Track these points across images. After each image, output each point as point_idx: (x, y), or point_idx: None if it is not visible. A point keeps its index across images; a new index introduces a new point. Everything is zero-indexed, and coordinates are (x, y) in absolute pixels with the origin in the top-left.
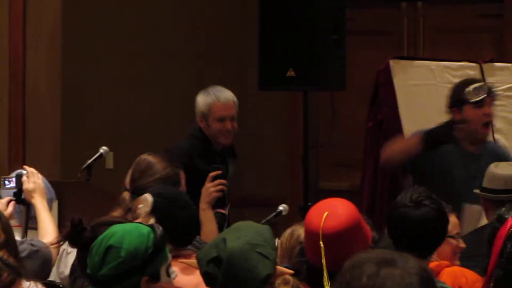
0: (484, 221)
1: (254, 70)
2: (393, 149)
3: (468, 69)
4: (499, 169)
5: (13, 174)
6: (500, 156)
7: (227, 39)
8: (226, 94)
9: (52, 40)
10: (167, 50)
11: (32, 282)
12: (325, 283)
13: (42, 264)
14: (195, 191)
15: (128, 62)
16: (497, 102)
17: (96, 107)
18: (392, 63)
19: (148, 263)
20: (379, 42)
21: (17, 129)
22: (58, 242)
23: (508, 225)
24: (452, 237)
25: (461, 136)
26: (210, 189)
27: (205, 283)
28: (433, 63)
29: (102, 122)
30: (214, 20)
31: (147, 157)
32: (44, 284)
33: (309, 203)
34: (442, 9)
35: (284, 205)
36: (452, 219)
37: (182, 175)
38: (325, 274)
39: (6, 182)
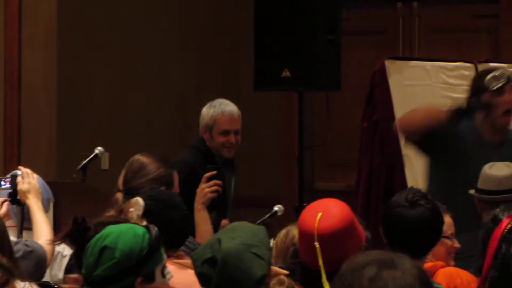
0: None
1: (249, 71)
2: (415, 115)
3: (464, 69)
4: (493, 170)
5: (9, 175)
6: None
7: (222, 39)
8: (231, 108)
9: (48, 39)
10: (163, 50)
11: (27, 283)
12: (324, 284)
13: (36, 264)
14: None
15: (124, 62)
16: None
17: (92, 107)
18: (387, 63)
19: (142, 264)
20: (374, 42)
21: (12, 129)
22: (60, 239)
23: (503, 226)
24: (447, 237)
25: (481, 124)
26: (205, 189)
27: (200, 283)
28: (428, 64)
29: (97, 122)
30: (209, 20)
31: (140, 158)
32: (38, 284)
33: (304, 204)
34: (437, 9)
35: (279, 205)
36: (447, 219)
37: (175, 175)
38: (323, 275)
39: (2, 182)
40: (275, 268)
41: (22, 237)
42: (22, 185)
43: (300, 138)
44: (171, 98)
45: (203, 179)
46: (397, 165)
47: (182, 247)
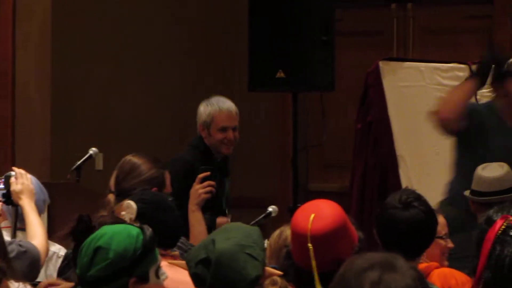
0: None
1: (244, 71)
2: (450, 100)
3: (458, 70)
4: (485, 172)
5: (3, 176)
6: None
7: (216, 40)
8: (228, 105)
9: (42, 40)
10: (156, 51)
11: (21, 284)
12: (316, 285)
13: (30, 264)
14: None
15: (118, 63)
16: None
17: (86, 108)
18: (381, 64)
19: (136, 265)
20: (368, 43)
21: (6, 130)
22: (64, 236)
23: (497, 227)
24: (441, 237)
25: (504, 110)
26: (199, 190)
27: (194, 284)
28: (422, 65)
29: (91, 123)
30: (203, 21)
31: (132, 158)
32: (32, 285)
33: (299, 204)
34: (431, 10)
35: (273, 206)
36: (441, 219)
37: (167, 175)
38: (316, 276)
39: None
40: (269, 269)
41: (16, 237)
42: (15, 186)
43: (294, 139)
44: (165, 99)
45: (197, 180)
46: (391, 166)
47: (175, 248)
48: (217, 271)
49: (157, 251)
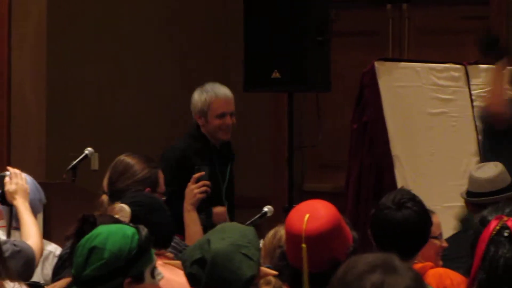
0: None
1: (239, 72)
2: (496, 93)
3: (453, 70)
4: (479, 172)
5: None
6: None
7: (212, 41)
8: (224, 90)
9: (38, 41)
10: (152, 51)
11: (16, 283)
12: (304, 285)
13: (24, 264)
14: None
15: (113, 63)
16: (481, 104)
17: (81, 108)
18: (377, 64)
19: (131, 265)
20: (364, 44)
21: (2, 130)
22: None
23: (491, 228)
24: (436, 238)
25: None
26: (194, 190)
27: (189, 284)
28: (418, 65)
29: (87, 123)
30: (199, 21)
31: (125, 159)
32: (28, 284)
33: (294, 205)
34: (427, 11)
35: (269, 206)
36: (435, 219)
37: (160, 175)
38: (305, 276)
39: None
40: (264, 269)
41: (11, 237)
42: (9, 186)
43: (290, 139)
44: (161, 98)
45: (192, 179)
46: (387, 166)
47: (169, 249)
48: (213, 271)
49: (153, 251)
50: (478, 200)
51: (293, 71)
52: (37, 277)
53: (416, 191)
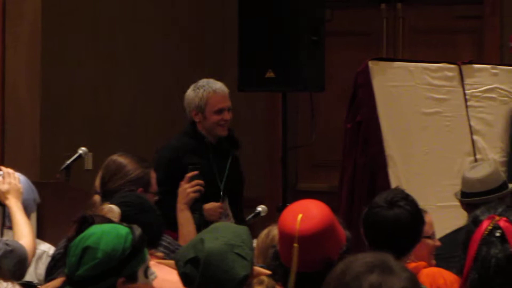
0: None
1: (234, 71)
2: None
3: (447, 70)
4: (471, 173)
5: None
6: None
7: (206, 40)
8: (220, 86)
9: (32, 40)
10: (146, 51)
11: (10, 283)
12: (289, 285)
13: (17, 263)
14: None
15: (108, 63)
16: (475, 104)
17: (75, 107)
18: (371, 64)
19: (125, 264)
20: (358, 43)
21: None
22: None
23: (483, 228)
24: (429, 237)
25: None
26: (187, 189)
27: (183, 283)
28: (412, 65)
29: (81, 122)
30: (193, 21)
31: (118, 158)
32: (21, 284)
33: (288, 204)
34: (421, 11)
35: (262, 206)
36: (427, 219)
37: (152, 174)
38: (292, 275)
39: None
40: (258, 268)
41: (3, 236)
42: (2, 185)
43: (283, 138)
44: (155, 98)
45: (185, 179)
46: (381, 166)
47: (162, 248)
48: (206, 270)
49: (146, 251)
50: (470, 200)
51: (287, 71)
52: (30, 276)
53: (410, 190)
